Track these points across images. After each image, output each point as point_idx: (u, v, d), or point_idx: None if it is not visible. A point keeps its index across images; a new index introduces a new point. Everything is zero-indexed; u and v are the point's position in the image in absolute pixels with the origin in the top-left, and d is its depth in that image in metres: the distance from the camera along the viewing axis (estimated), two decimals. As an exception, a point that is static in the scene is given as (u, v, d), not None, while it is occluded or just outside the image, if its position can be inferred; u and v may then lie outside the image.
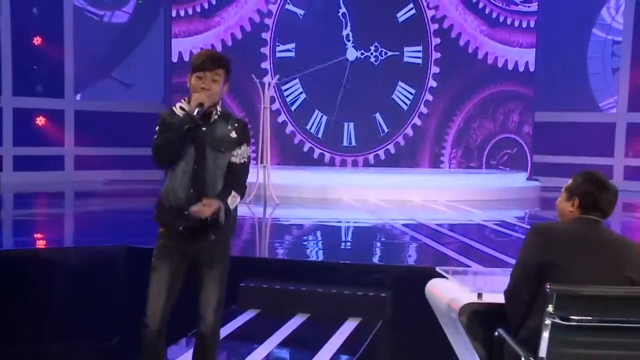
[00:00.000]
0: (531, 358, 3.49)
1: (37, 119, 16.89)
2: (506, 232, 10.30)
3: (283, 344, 6.27)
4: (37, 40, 16.95)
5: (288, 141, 16.94)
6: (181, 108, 4.34)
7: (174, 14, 16.91)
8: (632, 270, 3.69)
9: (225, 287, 4.53)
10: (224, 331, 6.54)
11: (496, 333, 3.81)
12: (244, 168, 4.48)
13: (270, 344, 6.21)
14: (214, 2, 16.83)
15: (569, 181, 3.97)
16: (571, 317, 3.41)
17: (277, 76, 14.31)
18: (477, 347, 3.98)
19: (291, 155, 16.84)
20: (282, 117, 16.90)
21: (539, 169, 17.37)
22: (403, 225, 10.42)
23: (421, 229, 10.23)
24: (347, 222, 11.42)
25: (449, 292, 4.28)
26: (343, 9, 16.84)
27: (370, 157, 16.97)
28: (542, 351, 3.44)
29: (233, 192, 4.37)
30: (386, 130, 17.06)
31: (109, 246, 8.20)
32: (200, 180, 4.33)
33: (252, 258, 8.02)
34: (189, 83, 4.36)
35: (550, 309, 3.43)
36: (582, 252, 3.70)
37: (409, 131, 17.13)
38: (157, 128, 4.35)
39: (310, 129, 16.96)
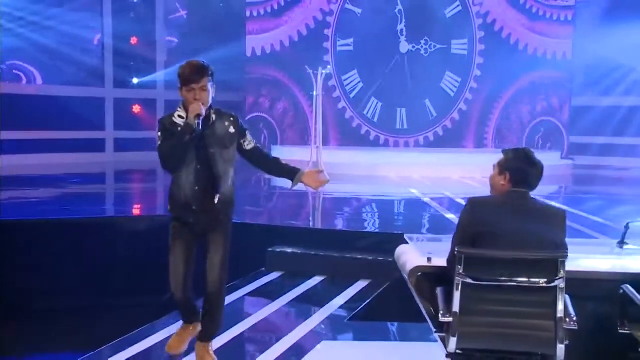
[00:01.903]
0: (447, 313, 3.52)
1: (134, 107, 17.46)
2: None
3: (297, 299, 6.47)
4: (133, 41, 17.47)
5: (347, 125, 16.97)
6: (179, 116, 4.32)
7: (248, 14, 17.12)
8: (557, 235, 3.64)
9: (229, 252, 4.59)
10: (251, 287, 6.81)
11: (437, 292, 3.83)
12: (259, 147, 4.62)
13: (286, 299, 6.43)
14: (282, 4, 16.96)
15: (501, 157, 3.93)
16: (478, 277, 3.46)
17: (328, 66, 14.31)
18: (424, 304, 4.02)
19: (350, 137, 16.88)
20: (342, 104, 16.93)
21: (575, 149, 17.01)
22: (431, 199, 10.42)
23: (444, 202, 10.23)
24: (381, 195, 11.39)
25: (407, 256, 4.30)
26: (400, 7, 16.77)
27: (421, 138, 16.87)
28: (455, 306, 3.50)
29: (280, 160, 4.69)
30: (435, 114, 16.91)
31: (164, 215, 8.45)
32: (204, 178, 4.37)
33: (278, 227, 8.21)
34: (180, 94, 4.36)
35: (460, 270, 3.48)
36: (512, 220, 3.65)
37: (456, 115, 16.97)
38: (159, 134, 4.36)
39: (367, 114, 16.95)
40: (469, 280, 3.47)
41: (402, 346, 5.15)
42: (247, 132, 4.54)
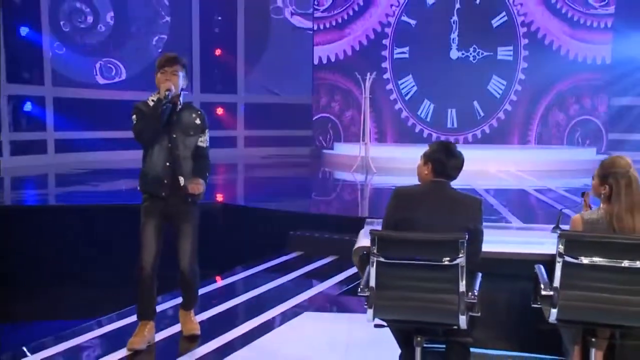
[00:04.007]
0: (366, 288, 3.53)
1: (217, 109, 17.82)
2: (537, 197, 9.91)
3: (303, 276, 6.56)
4: (217, 52, 17.87)
5: (403, 124, 16.87)
6: (152, 100, 4.33)
7: (315, 27, 17.24)
8: (470, 222, 3.63)
9: (197, 236, 4.56)
10: (269, 264, 6.98)
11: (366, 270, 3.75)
12: (207, 151, 4.55)
13: (293, 275, 6.56)
14: (346, 17, 17.01)
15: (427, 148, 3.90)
16: (390, 256, 3.47)
17: (375, 72, 14.13)
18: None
19: (405, 135, 16.76)
20: (398, 105, 16.84)
21: (615, 145, 16.35)
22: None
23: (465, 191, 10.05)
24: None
25: (359, 238, 4.31)
26: (455, 17, 16.54)
27: (469, 136, 16.62)
28: (372, 282, 3.52)
29: (202, 180, 4.44)
30: (482, 114, 16.60)
31: (211, 202, 8.67)
32: (173, 158, 4.39)
33: (299, 213, 8.26)
34: (156, 78, 4.38)
35: (374, 249, 3.49)
36: (431, 208, 3.64)
37: (501, 115, 16.59)
38: (133, 117, 4.36)
39: (420, 114, 16.81)
40: (382, 259, 3.49)
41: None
42: (206, 131, 4.52)
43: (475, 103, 16.56)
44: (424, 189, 3.79)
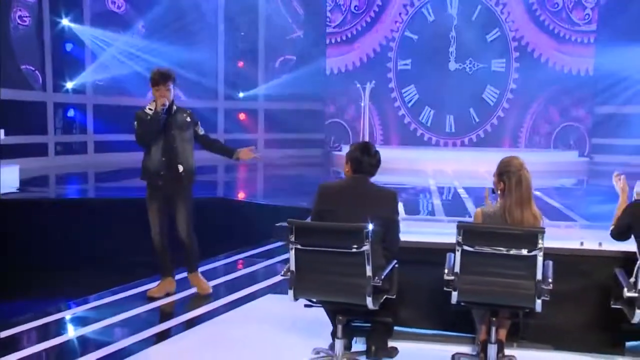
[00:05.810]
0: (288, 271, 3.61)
1: (240, 115, 17.99)
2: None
3: (279, 262, 6.54)
4: (240, 64, 18.02)
5: (406, 129, 16.86)
6: (149, 109, 4.88)
7: (327, 41, 17.31)
8: (386, 213, 3.67)
9: (193, 212, 5.12)
10: (253, 252, 7.07)
11: None
12: (208, 134, 5.22)
13: (270, 262, 6.66)
14: (355, 32, 17.06)
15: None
16: (305, 243, 3.54)
17: (373, 81, 14.08)
18: None
19: (408, 138, 16.75)
20: (401, 111, 16.86)
21: (597, 149, 16.11)
22: (437, 187, 10.23)
23: (443, 190, 10.02)
24: (399, 184, 11.15)
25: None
26: (453, 33, 16.48)
27: (466, 140, 16.54)
28: (292, 265, 3.60)
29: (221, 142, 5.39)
30: (477, 120, 16.53)
31: (212, 197, 8.79)
32: (168, 152, 4.92)
33: (281, 206, 8.31)
34: (152, 92, 4.91)
35: (292, 238, 3.57)
36: (348, 200, 3.68)
37: (495, 121, 16.51)
38: (135, 123, 4.91)
39: (422, 119, 16.78)
40: (299, 246, 3.57)
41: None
42: (199, 123, 5.08)
43: (471, 110, 16.49)
44: (344, 183, 3.86)
